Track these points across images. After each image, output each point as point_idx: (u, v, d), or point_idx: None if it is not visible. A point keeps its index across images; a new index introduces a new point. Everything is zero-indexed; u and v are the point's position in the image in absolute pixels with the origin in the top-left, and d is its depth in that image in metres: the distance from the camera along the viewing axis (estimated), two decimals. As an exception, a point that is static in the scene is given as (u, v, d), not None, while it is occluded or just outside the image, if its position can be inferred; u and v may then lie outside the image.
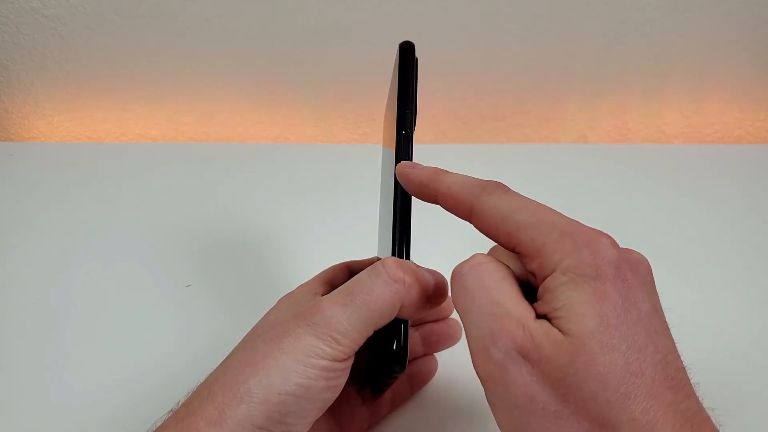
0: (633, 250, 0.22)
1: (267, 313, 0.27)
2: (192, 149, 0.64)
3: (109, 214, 0.51)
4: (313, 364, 0.22)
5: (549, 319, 0.20)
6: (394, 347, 0.24)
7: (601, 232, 0.21)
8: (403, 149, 0.26)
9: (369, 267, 0.24)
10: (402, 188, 0.25)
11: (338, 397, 0.24)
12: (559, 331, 0.19)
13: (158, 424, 0.23)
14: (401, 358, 0.24)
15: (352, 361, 0.24)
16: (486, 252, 0.24)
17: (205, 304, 0.41)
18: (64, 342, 0.38)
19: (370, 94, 0.64)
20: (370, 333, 0.24)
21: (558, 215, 0.22)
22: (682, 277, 0.43)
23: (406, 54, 0.27)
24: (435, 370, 0.34)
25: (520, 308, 0.20)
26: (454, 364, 0.35)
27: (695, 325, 0.38)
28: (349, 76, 0.63)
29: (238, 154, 0.62)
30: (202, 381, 0.24)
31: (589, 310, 0.19)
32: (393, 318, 0.24)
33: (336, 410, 0.28)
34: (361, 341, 0.23)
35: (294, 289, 0.28)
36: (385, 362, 0.25)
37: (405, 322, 0.25)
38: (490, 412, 0.21)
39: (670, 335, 0.20)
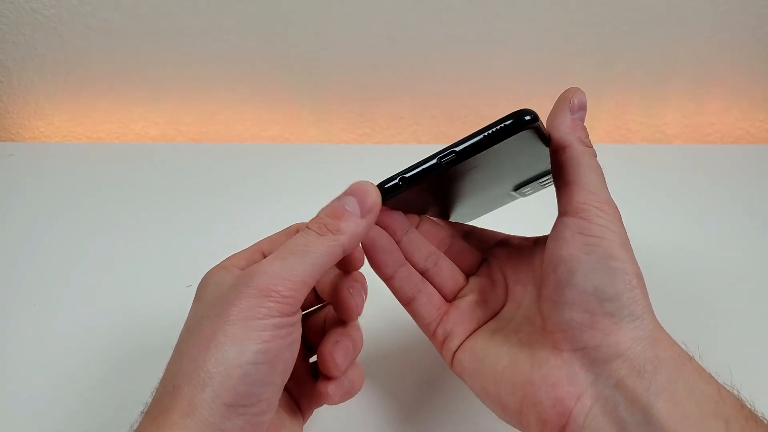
0: None
1: (199, 294, 0.26)
2: (192, 149, 0.64)
3: (109, 214, 0.52)
4: (264, 325, 0.22)
5: None
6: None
7: None
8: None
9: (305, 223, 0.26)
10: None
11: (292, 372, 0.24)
12: None
13: (134, 428, 0.22)
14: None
15: (300, 314, 0.24)
16: None
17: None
18: (63, 342, 0.38)
19: (370, 94, 0.64)
20: (312, 283, 0.24)
21: None
22: (682, 277, 0.43)
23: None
24: (362, 380, 0.30)
25: None
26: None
27: (699, 325, 0.38)
28: (349, 76, 0.63)
29: (238, 154, 0.62)
30: (162, 376, 0.23)
31: None
32: (336, 261, 0.25)
33: (290, 386, 0.29)
34: (305, 291, 0.24)
35: (218, 263, 0.28)
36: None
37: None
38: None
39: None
